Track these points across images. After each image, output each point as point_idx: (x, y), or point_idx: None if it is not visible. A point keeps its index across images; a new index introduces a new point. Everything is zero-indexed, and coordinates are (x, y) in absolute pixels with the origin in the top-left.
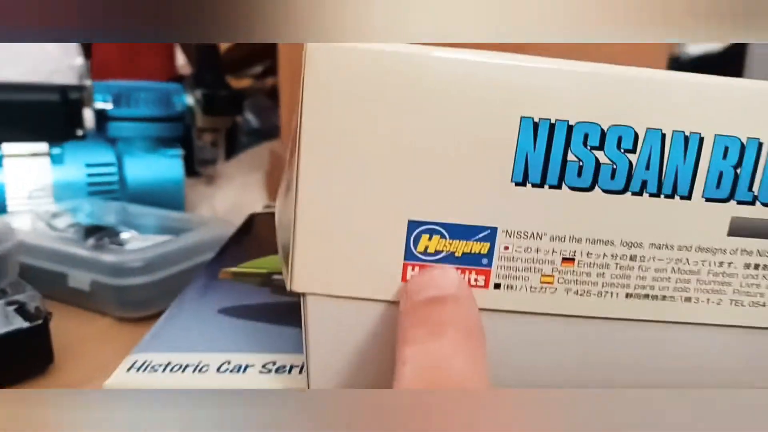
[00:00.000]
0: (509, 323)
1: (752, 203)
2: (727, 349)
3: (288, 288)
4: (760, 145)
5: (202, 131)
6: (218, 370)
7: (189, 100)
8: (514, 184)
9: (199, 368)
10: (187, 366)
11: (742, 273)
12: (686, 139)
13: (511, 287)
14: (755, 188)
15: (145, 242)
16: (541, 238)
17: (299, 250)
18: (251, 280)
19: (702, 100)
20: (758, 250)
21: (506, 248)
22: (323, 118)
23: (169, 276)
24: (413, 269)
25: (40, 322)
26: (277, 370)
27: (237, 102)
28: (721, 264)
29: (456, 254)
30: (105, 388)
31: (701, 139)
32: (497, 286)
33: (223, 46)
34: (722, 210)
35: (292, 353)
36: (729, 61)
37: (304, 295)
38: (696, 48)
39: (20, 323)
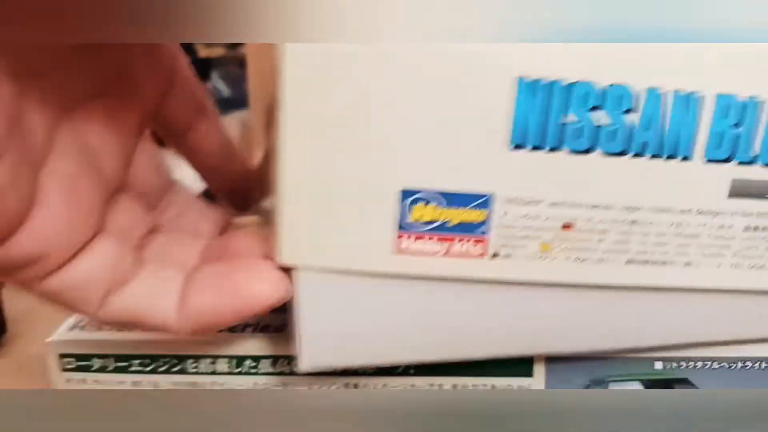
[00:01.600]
0: (508, 295)
1: (752, 163)
2: (725, 314)
3: (277, 260)
4: (761, 104)
5: None
6: None
7: None
8: (511, 147)
9: None
10: None
11: (741, 236)
12: (686, 98)
13: (510, 255)
14: (756, 148)
15: None
16: (539, 204)
17: (287, 222)
18: None
19: (702, 59)
20: (758, 212)
21: (504, 215)
22: (310, 87)
23: None
24: (408, 239)
25: None
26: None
27: (203, 70)
28: (721, 227)
29: (451, 223)
30: (48, 342)
31: (701, 99)
32: (495, 254)
33: None
34: (723, 171)
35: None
36: None
37: (292, 269)
38: None
39: None
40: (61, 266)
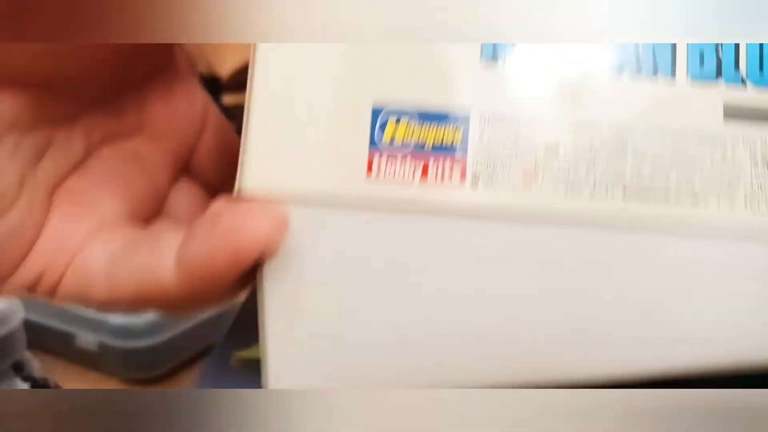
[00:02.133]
0: (490, 226)
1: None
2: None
3: (236, 187)
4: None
5: None
6: None
7: None
8: (484, 60)
9: None
10: None
11: (751, 171)
12: None
13: (490, 182)
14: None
15: None
16: (519, 123)
17: (251, 146)
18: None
19: None
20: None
21: (482, 135)
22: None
23: (175, 336)
24: (380, 158)
25: None
26: None
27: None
28: (724, 157)
29: (426, 143)
30: None
31: None
32: (475, 178)
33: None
34: (712, 91)
35: None
36: None
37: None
38: None
39: None
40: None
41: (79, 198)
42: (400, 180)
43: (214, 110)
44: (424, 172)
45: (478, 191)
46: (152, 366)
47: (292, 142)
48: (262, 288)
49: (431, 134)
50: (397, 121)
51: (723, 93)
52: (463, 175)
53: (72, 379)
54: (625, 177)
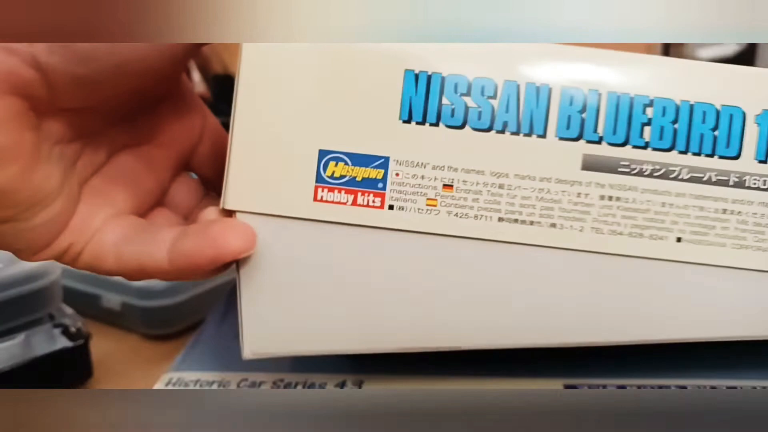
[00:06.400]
0: (402, 242)
1: (600, 143)
2: (583, 274)
3: (221, 205)
4: (600, 95)
5: None
6: (237, 385)
7: None
8: (401, 121)
9: (221, 384)
10: (213, 382)
11: (598, 204)
12: (537, 89)
13: (403, 208)
14: (600, 130)
15: None
16: (425, 167)
17: (233, 176)
18: None
19: (550, 59)
20: (609, 183)
21: (397, 174)
22: (257, 72)
23: (191, 297)
24: (322, 190)
25: (81, 341)
26: (285, 386)
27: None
28: (578, 195)
29: (357, 179)
30: None
31: (550, 89)
32: (391, 207)
33: None
34: (574, 147)
35: (298, 372)
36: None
37: (234, 212)
38: (707, 52)
39: (65, 343)
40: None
41: (100, 193)
42: (337, 204)
43: (211, 120)
44: (355, 200)
45: (393, 214)
46: (170, 324)
47: (263, 173)
48: (239, 277)
49: (360, 172)
50: (336, 161)
51: (582, 148)
52: (383, 203)
53: (97, 334)
54: (501, 211)
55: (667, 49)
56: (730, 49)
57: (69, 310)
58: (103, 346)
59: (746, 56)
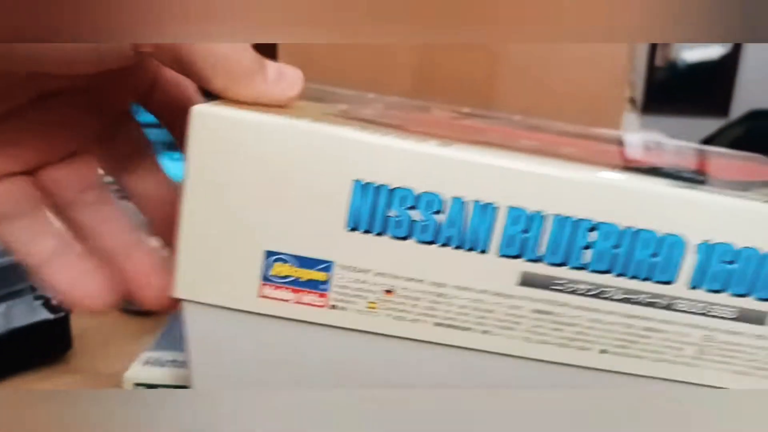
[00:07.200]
0: (343, 339)
1: (539, 261)
2: (518, 378)
3: (173, 294)
4: (544, 217)
5: None
6: None
7: None
8: (348, 229)
9: None
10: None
11: (530, 316)
12: (483, 207)
13: (344, 309)
14: (541, 250)
15: None
16: (367, 273)
17: (181, 268)
18: None
19: (497, 178)
20: (543, 299)
21: (341, 278)
22: (206, 169)
23: None
24: (269, 287)
25: (62, 314)
26: None
27: None
28: (512, 307)
29: (301, 279)
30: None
31: (496, 209)
32: (333, 306)
33: None
34: (514, 265)
35: None
36: (724, 68)
37: (182, 301)
38: (692, 55)
39: (45, 315)
40: None
41: None
42: (281, 302)
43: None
44: (299, 299)
45: (335, 312)
46: None
47: (210, 266)
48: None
49: (305, 274)
50: (282, 262)
51: (521, 266)
52: (326, 302)
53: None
54: (437, 317)
55: (654, 49)
56: (715, 52)
57: None
58: (84, 319)
59: (731, 58)
